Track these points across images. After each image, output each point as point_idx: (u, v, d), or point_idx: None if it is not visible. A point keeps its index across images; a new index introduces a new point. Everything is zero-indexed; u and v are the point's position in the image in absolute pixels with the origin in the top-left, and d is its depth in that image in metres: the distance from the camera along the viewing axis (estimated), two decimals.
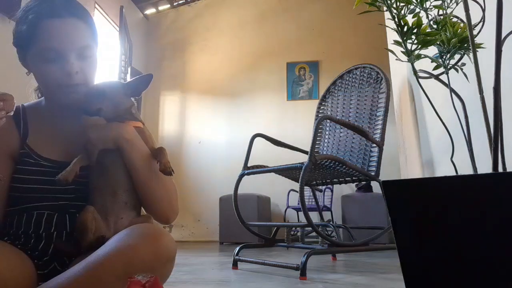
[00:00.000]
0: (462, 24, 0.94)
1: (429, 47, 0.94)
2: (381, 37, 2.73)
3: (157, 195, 0.98)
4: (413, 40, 0.93)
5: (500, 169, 0.73)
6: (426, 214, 0.68)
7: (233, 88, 5.74)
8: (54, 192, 0.94)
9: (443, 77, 1.01)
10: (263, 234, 3.32)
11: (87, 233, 0.86)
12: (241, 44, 5.86)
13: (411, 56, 0.93)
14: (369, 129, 2.34)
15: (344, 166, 2.07)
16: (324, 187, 4.76)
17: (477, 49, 0.80)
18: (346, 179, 2.36)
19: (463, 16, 0.84)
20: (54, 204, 0.94)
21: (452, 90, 0.97)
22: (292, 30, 5.75)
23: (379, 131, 2.27)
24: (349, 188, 4.86)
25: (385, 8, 0.91)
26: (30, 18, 0.92)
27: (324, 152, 2.61)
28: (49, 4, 0.93)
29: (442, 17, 0.96)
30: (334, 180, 2.44)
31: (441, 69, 0.97)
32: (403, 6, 0.92)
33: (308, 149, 1.97)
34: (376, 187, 4.51)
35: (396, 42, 0.94)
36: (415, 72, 1.00)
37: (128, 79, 4.51)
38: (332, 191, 4.87)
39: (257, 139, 2.41)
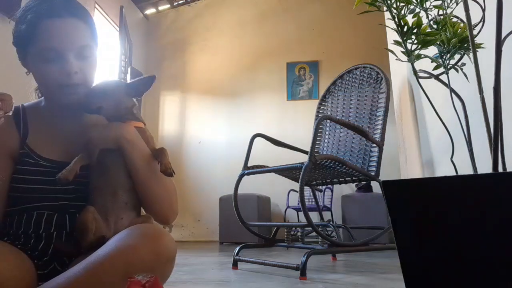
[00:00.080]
0: (462, 24, 0.94)
1: (429, 47, 0.94)
2: (381, 37, 2.73)
3: (157, 195, 0.98)
4: (413, 40, 0.94)
5: (500, 169, 0.73)
6: (426, 214, 0.68)
7: (233, 88, 5.74)
8: (54, 192, 0.94)
9: (443, 77, 1.01)
10: (263, 234, 3.32)
11: (87, 233, 0.86)
12: (241, 44, 5.86)
13: (411, 56, 0.93)
14: (369, 129, 2.34)
15: (344, 166, 2.07)
16: (324, 187, 4.76)
17: (477, 49, 0.80)
18: (346, 179, 2.36)
19: (463, 16, 0.84)
20: (54, 204, 0.94)
21: (452, 90, 0.97)
22: (292, 30, 5.75)
23: (379, 131, 2.27)
24: (349, 188, 4.86)
25: (385, 8, 0.91)
26: (29, 18, 0.92)
27: (324, 152, 2.61)
28: (48, 4, 0.93)
29: (442, 17, 0.96)
30: (334, 180, 2.44)
31: (441, 69, 0.97)
32: (403, 6, 0.92)
33: (308, 149, 1.97)
34: (376, 187, 4.51)
35: (396, 42, 0.94)
36: (415, 72, 1.01)
37: (128, 79, 4.53)
38: (332, 191, 4.87)
39: (257, 139, 2.41)
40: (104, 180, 0.94)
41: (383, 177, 1.51)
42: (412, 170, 2.47)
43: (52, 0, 0.94)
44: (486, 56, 0.86)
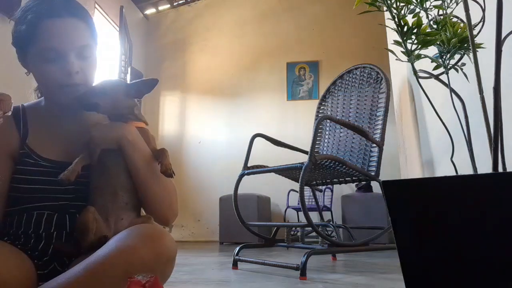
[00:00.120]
0: (462, 24, 0.94)
1: (429, 47, 0.94)
2: (381, 37, 2.73)
3: (157, 195, 0.98)
4: (413, 40, 0.94)
5: (500, 169, 0.73)
6: (426, 214, 0.68)
7: (233, 88, 5.74)
8: (54, 192, 0.94)
9: (443, 77, 1.01)
10: (263, 234, 3.32)
11: (87, 234, 0.86)
12: (241, 44, 5.86)
13: (411, 56, 0.93)
14: (369, 129, 2.34)
15: (344, 166, 2.07)
16: (324, 187, 4.76)
17: (477, 49, 0.80)
18: (346, 179, 2.36)
19: (463, 16, 0.84)
20: (54, 204, 0.94)
21: (452, 90, 0.97)
22: (292, 30, 5.75)
23: (379, 131, 2.27)
24: (349, 188, 4.86)
25: (385, 8, 0.91)
26: (29, 18, 0.92)
27: (324, 152, 2.61)
28: (48, 4, 0.93)
29: (442, 17, 0.96)
30: (334, 180, 2.44)
31: (441, 69, 0.97)
32: (403, 6, 0.92)
33: (308, 149, 1.97)
34: (376, 187, 4.51)
35: (396, 42, 0.94)
36: (415, 72, 1.01)
37: (128, 79, 4.53)
38: (332, 191, 4.87)
39: (257, 139, 2.41)
40: (104, 180, 0.94)
41: (383, 177, 1.51)
42: (412, 170, 2.47)
43: (52, 0, 0.94)
44: (486, 56, 0.86)
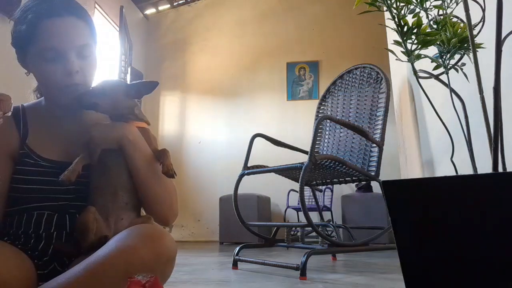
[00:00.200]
0: (462, 24, 0.94)
1: (429, 47, 0.94)
2: (381, 37, 2.73)
3: (157, 196, 0.98)
4: (413, 40, 0.94)
5: (500, 169, 0.73)
6: (426, 214, 0.68)
7: (233, 88, 5.74)
8: (54, 192, 0.94)
9: (443, 77, 1.01)
10: (263, 234, 3.32)
11: (88, 234, 0.86)
12: (241, 44, 5.86)
13: (411, 56, 0.93)
14: (369, 129, 2.34)
15: (344, 166, 2.07)
16: (324, 187, 4.76)
17: (477, 49, 0.80)
18: (346, 179, 2.36)
19: (463, 16, 0.84)
20: (54, 204, 0.94)
21: (452, 90, 0.97)
22: (292, 30, 5.75)
23: (379, 131, 2.27)
24: (349, 188, 4.86)
25: (385, 8, 0.91)
26: (29, 18, 0.92)
27: (324, 152, 2.61)
28: (48, 3, 0.93)
29: (442, 17, 0.96)
30: (334, 180, 2.44)
31: (441, 69, 0.97)
32: (403, 6, 0.92)
33: (308, 149, 1.97)
34: (376, 187, 4.51)
35: (396, 42, 0.94)
36: (415, 72, 1.01)
37: (128, 79, 4.53)
38: (332, 191, 4.87)
39: (257, 139, 2.41)
40: (105, 180, 0.93)
41: (383, 177, 1.51)
42: (412, 170, 2.47)
43: (51, 0, 0.94)
44: (486, 56, 0.86)
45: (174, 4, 6.10)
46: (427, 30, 0.94)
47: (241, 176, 2.31)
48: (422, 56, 0.95)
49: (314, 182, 2.59)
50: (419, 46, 0.93)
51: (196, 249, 4.04)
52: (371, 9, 0.92)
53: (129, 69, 4.66)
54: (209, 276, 1.97)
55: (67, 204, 0.95)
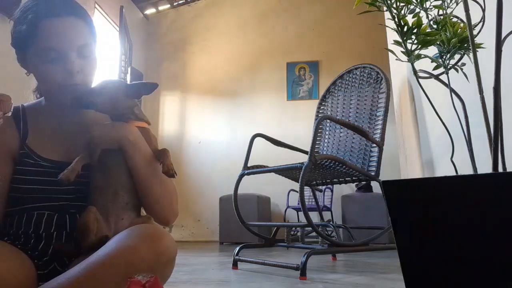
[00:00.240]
0: (462, 24, 0.94)
1: (429, 47, 0.94)
2: (381, 37, 2.73)
3: (157, 196, 0.98)
4: (413, 40, 0.94)
5: (500, 169, 0.73)
6: (426, 214, 0.68)
7: (233, 88, 5.74)
8: (54, 192, 0.94)
9: (443, 77, 1.01)
10: (263, 234, 3.32)
11: (88, 234, 0.86)
12: (241, 44, 5.86)
13: (411, 56, 0.93)
14: (369, 129, 2.34)
15: (344, 166, 2.07)
16: (324, 187, 4.76)
17: (477, 49, 0.80)
18: (346, 179, 2.36)
19: (463, 16, 0.84)
20: (55, 204, 0.94)
21: (452, 90, 0.97)
22: (292, 30, 5.75)
23: (379, 131, 2.27)
24: (349, 188, 4.86)
25: (385, 8, 0.91)
26: (29, 18, 0.92)
27: (324, 152, 2.61)
28: (48, 3, 0.93)
29: (442, 17, 0.96)
30: (334, 180, 2.44)
31: (441, 69, 0.97)
32: (403, 6, 0.92)
33: (308, 149, 1.97)
34: (376, 187, 4.51)
35: (396, 42, 0.94)
36: (415, 72, 1.01)
37: (128, 79, 4.53)
38: (332, 191, 4.87)
39: (257, 139, 2.41)
40: (105, 180, 0.93)
41: (383, 177, 1.51)
42: (412, 170, 2.47)
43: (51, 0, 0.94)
44: (486, 56, 0.86)
45: (174, 4, 6.10)
46: (427, 30, 0.94)
47: (241, 176, 2.31)
48: (422, 56, 0.95)
49: (314, 182, 2.59)
50: (419, 46, 0.94)
51: (196, 249, 4.04)
52: (371, 9, 0.92)
53: (129, 69, 4.67)
54: (209, 276, 1.97)
55: (68, 204, 0.95)
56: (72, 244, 0.91)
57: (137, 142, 0.95)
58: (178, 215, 1.05)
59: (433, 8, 0.96)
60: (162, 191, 0.98)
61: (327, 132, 2.68)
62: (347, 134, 2.51)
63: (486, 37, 0.89)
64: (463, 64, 0.98)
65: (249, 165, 2.32)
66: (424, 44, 0.93)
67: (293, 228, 2.94)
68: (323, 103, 2.77)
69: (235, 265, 2.23)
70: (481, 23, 0.93)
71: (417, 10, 0.94)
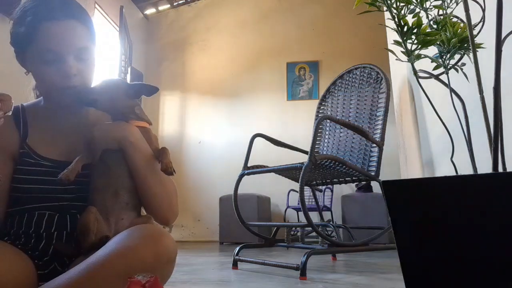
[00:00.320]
0: (462, 24, 0.94)
1: (429, 47, 0.94)
2: (381, 37, 2.73)
3: (157, 196, 0.98)
4: (413, 40, 0.94)
5: (500, 169, 0.73)
6: (426, 214, 0.68)
7: (233, 88, 5.74)
8: (55, 192, 0.94)
9: (443, 77, 1.01)
10: (263, 234, 3.32)
11: (88, 234, 0.86)
12: (241, 44, 5.86)
13: (411, 56, 0.93)
14: (369, 129, 2.34)
15: (344, 166, 2.07)
16: (324, 187, 4.76)
17: (477, 49, 0.80)
18: (346, 179, 2.36)
19: (463, 16, 0.84)
20: (55, 204, 0.94)
21: (452, 90, 0.97)
22: (292, 30, 5.75)
23: (379, 131, 2.27)
24: (349, 188, 4.86)
25: (385, 8, 0.91)
26: (28, 20, 0.92)
27: (324, 152, 2.61)
28: (47, 5, 0.93)
29: (442, 17, 0.96)
30: (334, 180, 2.44)
31: (441, 69, 0.97)
32: (403, 6, 0.92)
33: (308, 149, 1.97)
34: (376, 187, 4.51)
35: (396, 42, 0.94)
36: (415, 72, 1.01)
37: (128, 79, 4.53)
38: (332, 191, 4.87)
39: (257, 139, 2.41)
40: (105, 180, 0.93)
41: (383, 177, 1.51)
42: (412, 170, 2.47)
43: (51, 1, 0.94)
44: (486, 56, 0.86)
45: (174, 4, 6.10)
46: (427, 30, 0.94)
47: (241, 176, 2.31)
48: (422, 56, 0.95)
49: (314, 182, 2.59)
50: (419, 46, 0.93)
51: (196, 249, 4.04)
52: (371, 9, 0.92)
53: (129, 69, 4.67)
54: (209, 276, 1.97)
55: (68, 204, 0.95)
56: (73, 244, 0.91)
57: (137, 142, 0.95)
58: (178, 215, 1.05)
59: (433, 8, 0.96)
60: (162, 191, 0.98)
61: (327, 132, 2.68)
62: (347, 134, 2.51)
63: (486, 37, 0.89)
64: (463, 64, 0.98)
65: (249, 165, 2.32)
66: (424, 44, 0.93)
67: (293, 228, 2.94)
68: (323, 103, 2.77)
69: (235, 265, 2.23)
70: (481, 23, 0.93)
71: (417, 10, 0.94)
